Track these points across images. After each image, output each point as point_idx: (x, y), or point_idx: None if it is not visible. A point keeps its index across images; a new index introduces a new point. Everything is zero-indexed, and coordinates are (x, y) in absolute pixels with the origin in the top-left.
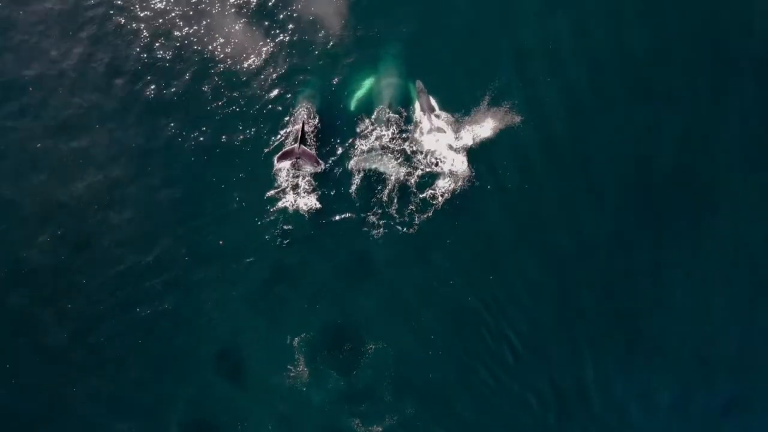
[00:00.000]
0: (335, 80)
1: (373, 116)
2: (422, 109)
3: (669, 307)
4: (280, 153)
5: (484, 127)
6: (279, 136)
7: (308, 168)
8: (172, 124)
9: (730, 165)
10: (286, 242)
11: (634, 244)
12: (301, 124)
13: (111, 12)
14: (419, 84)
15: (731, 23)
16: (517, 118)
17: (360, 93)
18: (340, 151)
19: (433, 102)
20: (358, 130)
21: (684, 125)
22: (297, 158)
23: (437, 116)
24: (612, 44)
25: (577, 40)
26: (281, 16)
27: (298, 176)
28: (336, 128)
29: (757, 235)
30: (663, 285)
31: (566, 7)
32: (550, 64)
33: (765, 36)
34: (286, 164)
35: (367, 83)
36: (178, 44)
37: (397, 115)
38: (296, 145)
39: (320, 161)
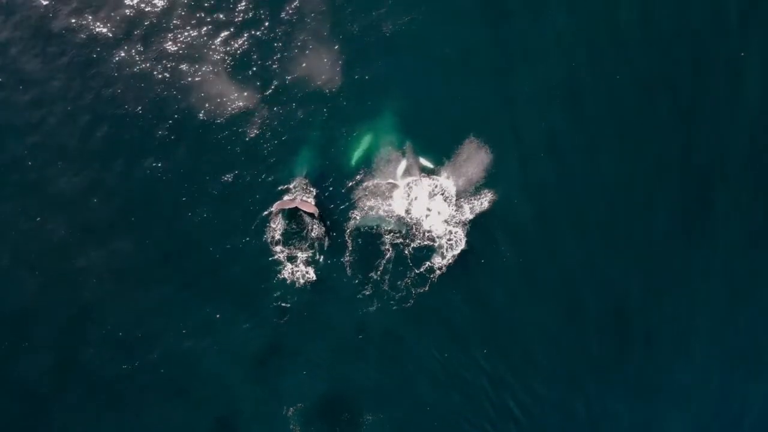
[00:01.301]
0: (331, 140)
1: (370, 181)
2: (406, 172)
3: (670, 380)
4: (279, 201)
5: (482, 201)
6: (275, 208)
7: (307, 217)
8: (166, 190)
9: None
10: (283, 313)
11: (630, 313)
12: (295, 207)
13: (93, 74)
14: (408, 147)
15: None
16: (516, 191)
17: (358, 153)
18: (337, 218)
19: (421, 162)
20: (355, 195)
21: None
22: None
23: (433, 186)
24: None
25: (579, 115)
26: (271, 75)
27: (295, 248)
28: (333, 192)
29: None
30: (661, 358)
31: (566, 86)
32: (549, 141)
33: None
34: (283, 207)
35: (365, 142)
36: (167, 108)
37: (394, 182)
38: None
39: (317, 209)
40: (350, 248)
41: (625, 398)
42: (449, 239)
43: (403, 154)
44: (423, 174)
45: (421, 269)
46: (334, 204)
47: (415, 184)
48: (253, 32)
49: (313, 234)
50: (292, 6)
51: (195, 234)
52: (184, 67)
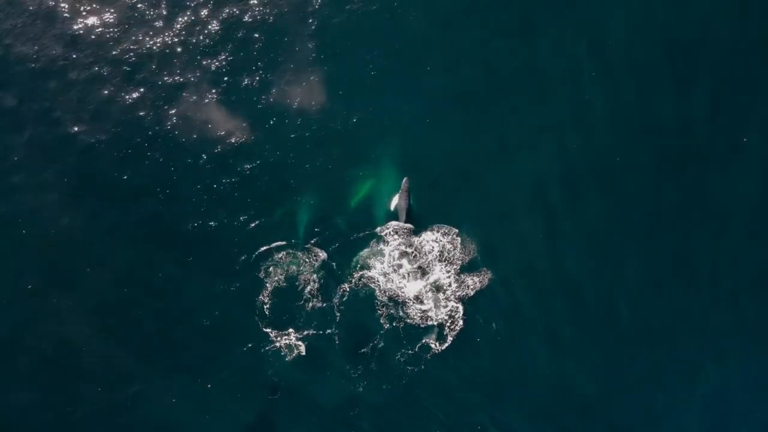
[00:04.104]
0: (330, 190)
1: (368, 232)
2: (398, 207)
3: None
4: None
5: (483, 277)
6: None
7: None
8: (156, 253)
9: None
10: (273, 388)
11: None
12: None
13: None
14: (405, 183)
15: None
16: (510, 270)
17: (358, 198)
18: (332, 277)
19: (407, 208)
20: (353, 252)
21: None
22: None
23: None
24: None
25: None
26: (267, 111)
27: (287, 324)
28: (329, 246)
29: None
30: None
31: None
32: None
33: None
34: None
35: (366, 186)
36: (155, 155)
37: (394, 242)
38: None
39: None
40: (343, 321)
41: None
42: (447, 315)
43: (398, 196)
44: (403, 213)
45: (417, 347)
46: (330, 259)
47: (413, 251)
48: (247, 72)
49: (308, 305)
50: (288, 44)
51: (183, 301)
52: (173, 104)
